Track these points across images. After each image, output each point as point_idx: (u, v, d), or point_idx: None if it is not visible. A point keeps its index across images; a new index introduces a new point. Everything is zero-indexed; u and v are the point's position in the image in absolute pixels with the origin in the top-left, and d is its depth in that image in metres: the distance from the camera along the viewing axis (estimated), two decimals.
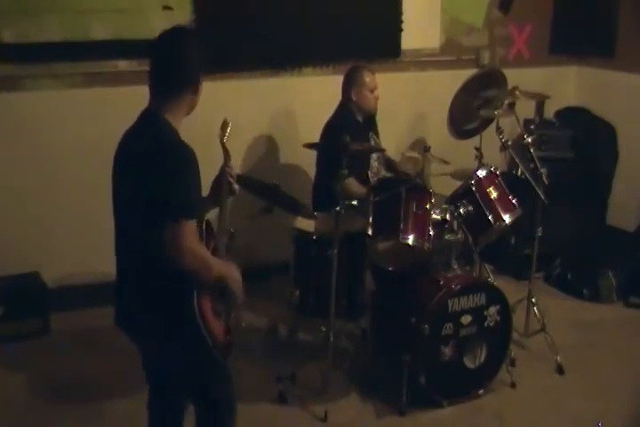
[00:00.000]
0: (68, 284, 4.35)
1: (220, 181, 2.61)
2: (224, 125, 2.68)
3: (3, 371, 3.78)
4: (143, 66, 4.20)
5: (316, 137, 4.08)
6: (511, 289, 4.00)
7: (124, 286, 2.44)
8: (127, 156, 2.38)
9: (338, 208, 3.31)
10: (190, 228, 2.25)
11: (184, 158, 2.27)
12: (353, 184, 3.89)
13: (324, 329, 3.52)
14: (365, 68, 4.18)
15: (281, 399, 3.51)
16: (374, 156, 4.15)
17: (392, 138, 4.53)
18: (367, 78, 4.12)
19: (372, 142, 4.18)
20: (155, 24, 4.21)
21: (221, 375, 2.51)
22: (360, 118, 4.20)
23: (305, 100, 4.69)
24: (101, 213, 4.25)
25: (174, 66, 2.37)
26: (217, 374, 2.49)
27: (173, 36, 2.42)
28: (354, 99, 4.13)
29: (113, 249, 2.47)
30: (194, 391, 2.54)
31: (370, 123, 4.30)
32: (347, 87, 4.16)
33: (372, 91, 4.14)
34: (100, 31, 4.13)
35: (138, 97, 4.26)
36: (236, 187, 2.64)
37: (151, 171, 2.25)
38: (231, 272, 2.41)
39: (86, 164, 4.27)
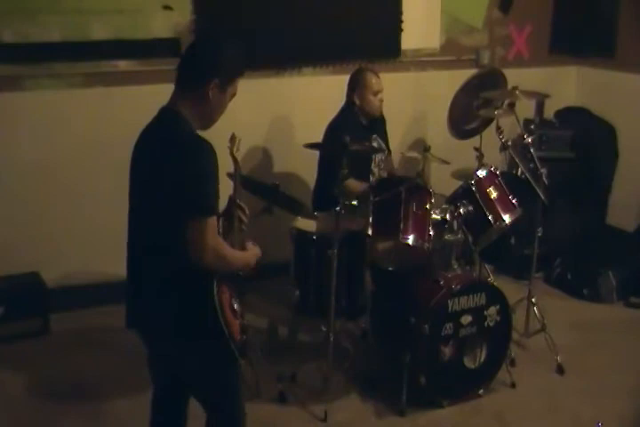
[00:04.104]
0: (68, 284, 4.35)
1: (230, 211, 2.58)
2: (232, 139, 2.67)
3: (3, 371, 3.78)
4: (143, 66, 4.27)
5: (315, 137, 4.07)
6: (511, 289, 4.00)
7: (140, 285, 2.39)
8: (146, 154, 2.34)
9: (338, 208, 3.31)
10: (212, 225, 2.24)
11: (205, 154, 2.25)
12: (352, 184, 3.88)
13: (324, 329, 3.52)
14: (370, 70, 4.18)
15: (281, 399, 3.52)
16: (376, 160, 4.15)
17: (392, 138, 4.53)
18: (371, 81, 4.11)
19: (376, 144, 4.18)
20: (155, 24, 4.23)
21: (236, 375, 2.48)
22: (364, 121, 4.19)
23: (305, 100, 4.68)
24: (101, 213, 4.30)
25: (193, 60, 2.36)
26: (232, 374, 2.47)
27: (205, 35, 2.45)
28: (357, 102, 4.12)
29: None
30: (208, 392, 2.49)
31: (375, 125, 4.28)
32: (350, 90, 4.15)
33: (375, 94, 4.12)
34: (100, 31, 4.13)
35: (138, 97, 4.28)
36: (246, 220, 2.61)
37: (173, 168, 2.22)
38: (250, 261, 2.45)
39: (86, 164, 4.27)
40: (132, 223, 2.42)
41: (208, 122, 2.40)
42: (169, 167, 2.23)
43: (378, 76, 4.15)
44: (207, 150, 2.26)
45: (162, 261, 2.32)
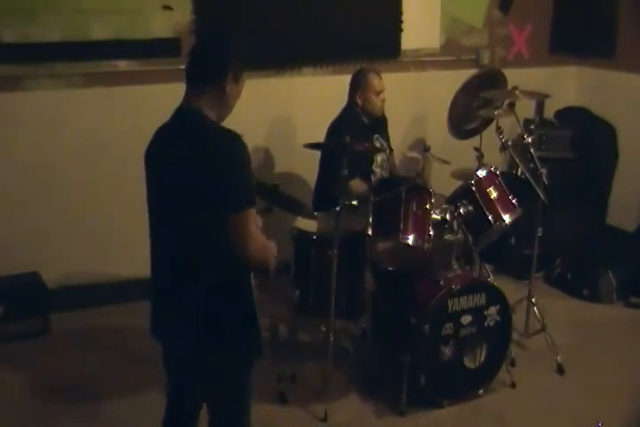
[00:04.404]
0: (68, 284, 4.35)
1: None
2: None
3: (3, 371, 3.78)
4: (143, 66, 4.27)
5: (316, 137, 4.06)
6: (511, 289, 4.00)
7: (171, 287, 2.36)
8: (172, 154, 2.31)
9: (338, 208, 3.31)
10: (253, 215, 2.25)
11: (240, 147, 2.26)
12: (356, 184, 3.88)
13: (324, 329, 3.52)
14: (372, 70, 4.17)
15: (281, 399, 3.52)
16: (378, 161, 4.15)
17: (392, 138, 4.53)
18: (373, 81, 4.10)
19: (377, 145, 4.18)
20: (155, 24, 4.23)
21: (251, 373, 2.47)
22: (365, 120, 4.19)
23: (305, 100, 4.68)
24: (101, 212, 4.30)
25: (206, 58, 2.38)
26: (250, 371, 2.45)
27: (209, 34, 2.47)
28: (359, 102, 4.12)
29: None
30: (228, 391, 2.46)
31: (377, 125, 4.28)
32: (352, 90, 4.15)
33: (377, 94, 4.12)
34: (100, 31, 4.13)
35: (138, 97, 4.28)
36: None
37: (211, 163, 2.21)
38: (273, 251, 2.44)
39: (86, 163, 4.27)
40: (156, 224, 2.39)
41: (224, 115, 2.42)
42: (205, 163, 2.21)
43: (380, 76, 4.15)
44: (241, 142, 2.27)
45: (198, 260, 2.29)
